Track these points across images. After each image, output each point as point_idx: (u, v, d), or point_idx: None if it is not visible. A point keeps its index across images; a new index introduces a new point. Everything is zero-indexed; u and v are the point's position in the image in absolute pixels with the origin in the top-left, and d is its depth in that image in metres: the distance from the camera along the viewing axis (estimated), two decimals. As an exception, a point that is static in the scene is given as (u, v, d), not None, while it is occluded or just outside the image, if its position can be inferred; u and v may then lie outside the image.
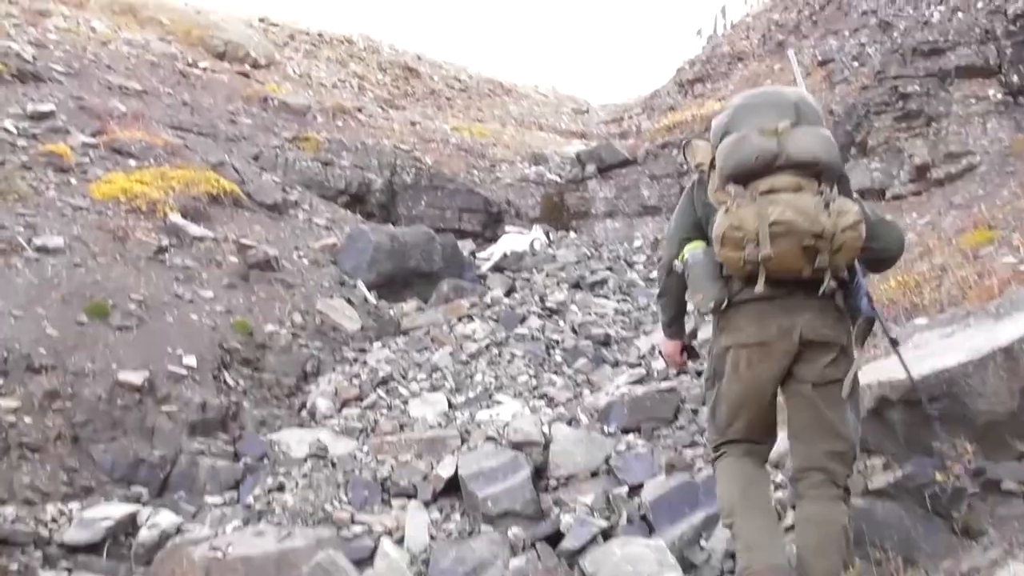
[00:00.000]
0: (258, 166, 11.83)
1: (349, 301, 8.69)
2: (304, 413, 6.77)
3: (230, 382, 6.80)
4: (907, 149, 9.64)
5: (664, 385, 5.72)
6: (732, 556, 3.76)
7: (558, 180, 14.58)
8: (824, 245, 2.37)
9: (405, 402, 6.45)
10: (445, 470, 5.12)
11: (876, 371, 3.51)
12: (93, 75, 12.98)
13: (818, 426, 2.56)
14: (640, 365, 6.88)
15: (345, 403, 6.63)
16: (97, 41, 15.46)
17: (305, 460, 5.66)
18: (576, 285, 9.55)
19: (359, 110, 18.32)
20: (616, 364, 7.11)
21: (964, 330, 3.55)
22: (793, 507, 3.02)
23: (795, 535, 2.64)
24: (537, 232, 11.76)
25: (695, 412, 5.42)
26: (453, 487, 5.04)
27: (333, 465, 5.58)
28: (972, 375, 2.96)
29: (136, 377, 5.98)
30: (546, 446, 5.12)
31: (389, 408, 6.42)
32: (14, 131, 9.60)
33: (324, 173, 12.53)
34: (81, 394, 5.73)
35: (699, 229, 2.71)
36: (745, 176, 2.47)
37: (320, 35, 24.84)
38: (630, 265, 10.79)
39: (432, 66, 26.74)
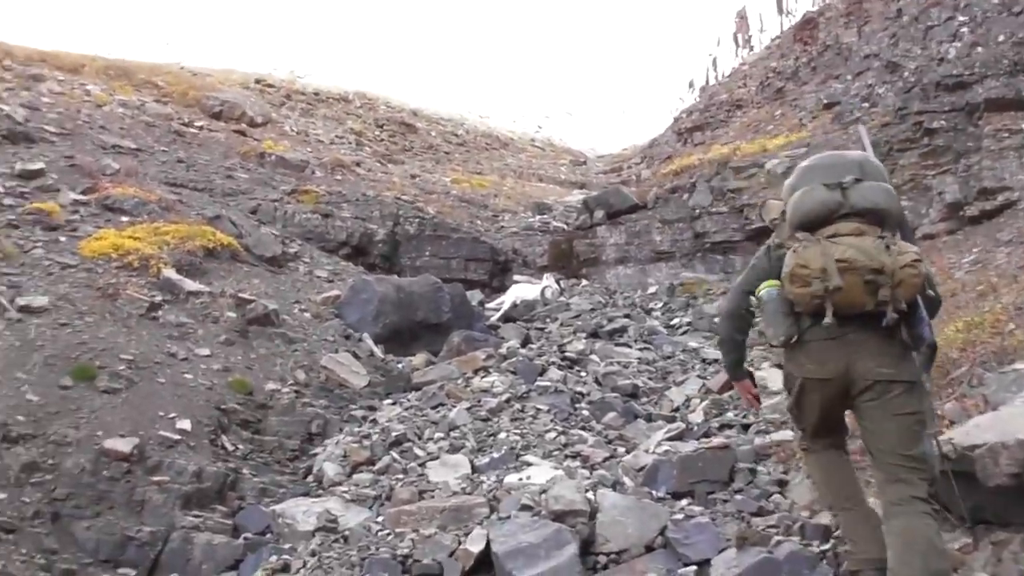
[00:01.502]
0: (256, 219, 11.39)
1: (355, 355, 8.13)
2: (310, 479, 6.16)
3: (228, 447, 6.21)
4: (936, 187, 9.24)
5: (716, 442, 5.12)
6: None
7: (565, 227, 14.16)
8: (885, 280, 2.59)
9: (423, 465, 5.82)
10: (475, 544, 4.49)
11: (1010, 426, 2.93)
12: (86, 135, 12.63)
13: (894, 446, 2.70)
14: (677, 419, 6.30)
15: (356, 467, 6.01)
16: (92, 104, 15.22)
17: (313, 534, 5.03)
18: (594, 334, 9.01)
19: (358, 164, 18.04)
20: (650, 418, 6.52)
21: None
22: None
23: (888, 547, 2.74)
24: (548, 280, 11.26)
25: (752, 472, 4.81)
26: (485, 564, 4.41)
27: (345, 540, 4.94)
28: None
29: (124, 445, 5.41)
30: (591, 515, 4.48)
31: (405, 472, 5.79)
32: (1, 190, 9.18)
33: (325, 225, 12.12)
34: (62, 465, 5.16)
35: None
36: (811, 224, 2.74)
37: (316, 94, 24.79)
38: (648, 312, 10.27)
39: (429, 121, 26.67)
